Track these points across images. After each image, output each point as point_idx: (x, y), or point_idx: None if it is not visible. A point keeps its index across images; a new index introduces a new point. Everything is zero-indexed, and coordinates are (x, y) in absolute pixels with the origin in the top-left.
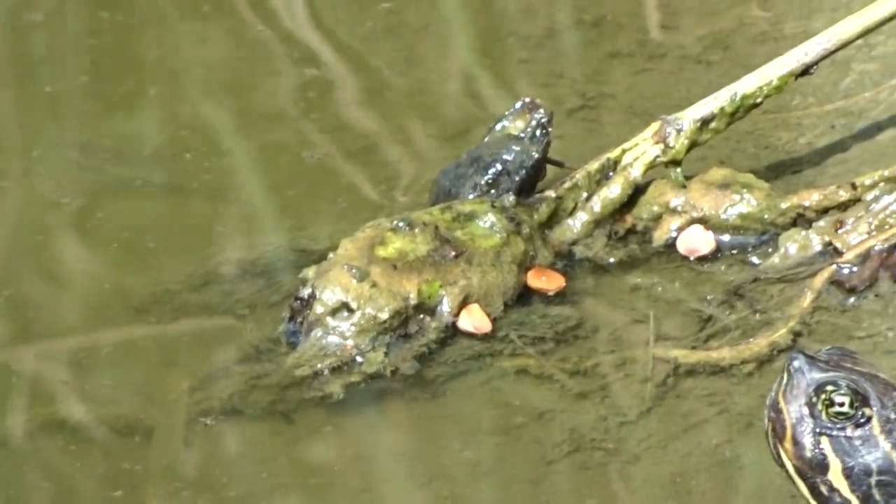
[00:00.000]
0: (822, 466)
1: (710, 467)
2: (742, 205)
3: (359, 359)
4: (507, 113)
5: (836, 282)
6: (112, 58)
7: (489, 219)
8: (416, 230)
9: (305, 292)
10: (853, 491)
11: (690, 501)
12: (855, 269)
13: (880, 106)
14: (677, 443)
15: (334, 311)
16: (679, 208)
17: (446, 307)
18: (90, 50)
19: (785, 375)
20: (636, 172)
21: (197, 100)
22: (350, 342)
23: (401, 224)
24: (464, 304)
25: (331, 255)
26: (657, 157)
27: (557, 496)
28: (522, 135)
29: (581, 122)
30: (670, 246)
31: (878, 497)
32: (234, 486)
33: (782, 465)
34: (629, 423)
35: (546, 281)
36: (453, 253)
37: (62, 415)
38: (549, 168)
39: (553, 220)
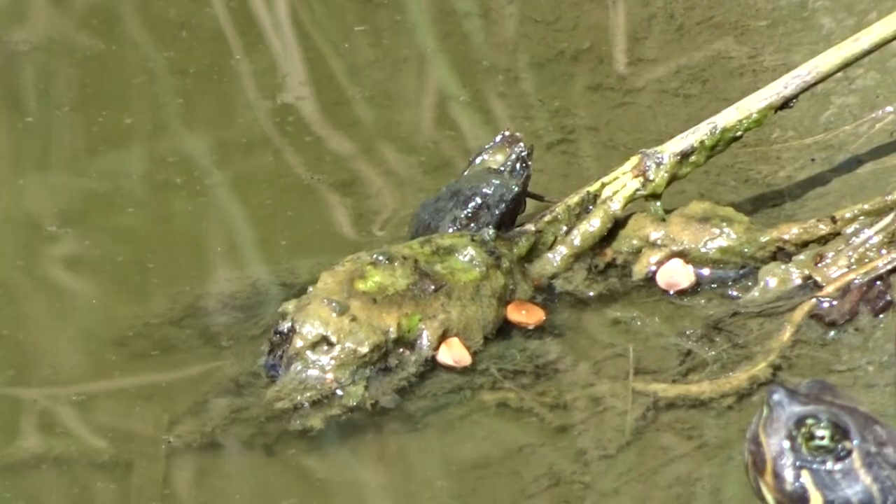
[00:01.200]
0: (802, 500)
1: (690, 501)
2: (722, 238)
3: (339, 392)
4: (486, 146)
5: (815, 315)
6: (93, 88)
7: (469, 252)
8: (396, 264)
9: (285, 326)
10: None
11: None
12: (835, 302)
13: (860, 139)
14: (657, 476)
15: (314, 345)
16: (659, 242)
17: (426, 341)
18: (72, 81)
19: (765, 409)
20: (616, 206)
21: (178, 129)
22: (330, 376)
23: (380, 258)
24: (443, 337)
25: (310, 288)
26: (637, 190)
27: None
28: (502, 168)
29: (560, 156)
30: (650, 280)
31: None
32: None
33: (763, 499)
34: (608, 456)
35: (526, 315)
36: (433, 287)
37: (41, 449)
38: (529, 202)
39: (533, 253)
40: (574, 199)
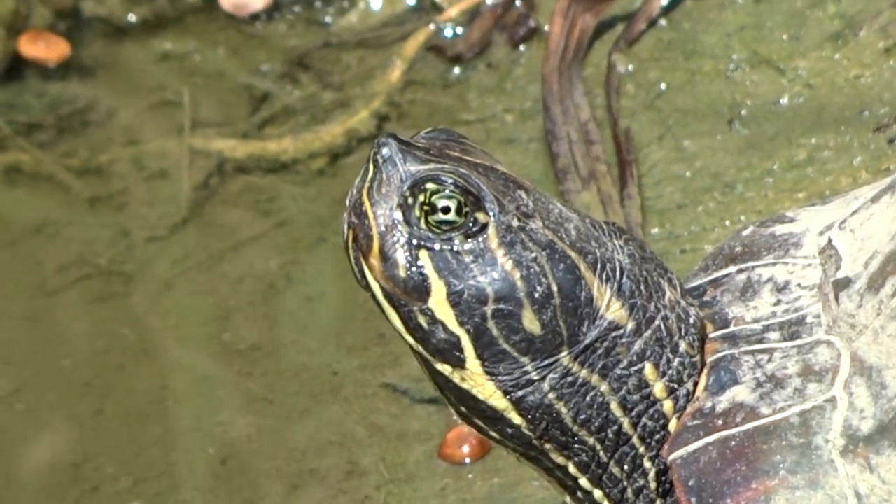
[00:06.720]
0: (420, 290)
1: (268, 298)
2: None
3: None
4: None
5: (435, 47)
6: None
7: None
8: None
9: None
10: (462, 323)
11: (239, 342)
12: (460, 30)
13: None
14: (223, 265)
15: None
16: None
17: None
18: None
19: (370, 168)
20: None
21: None
22: None
23: None
24: None
25: None
26: None
27: (60, 339)
28: None
29: None
30: (211, 1)
31: (494, 332)
32: None
33: (367, 288)
34: (158, 239)
35: (45, 48)
36: None
37: None
38: None
39: None
40: None
